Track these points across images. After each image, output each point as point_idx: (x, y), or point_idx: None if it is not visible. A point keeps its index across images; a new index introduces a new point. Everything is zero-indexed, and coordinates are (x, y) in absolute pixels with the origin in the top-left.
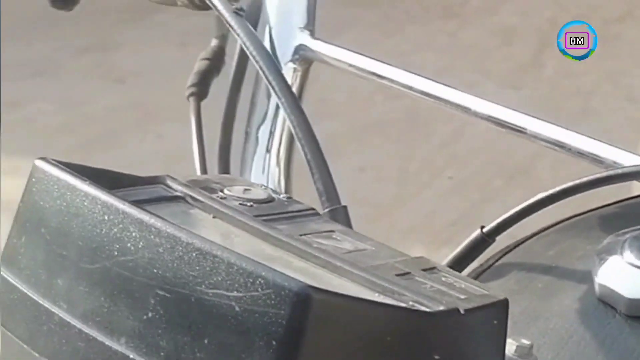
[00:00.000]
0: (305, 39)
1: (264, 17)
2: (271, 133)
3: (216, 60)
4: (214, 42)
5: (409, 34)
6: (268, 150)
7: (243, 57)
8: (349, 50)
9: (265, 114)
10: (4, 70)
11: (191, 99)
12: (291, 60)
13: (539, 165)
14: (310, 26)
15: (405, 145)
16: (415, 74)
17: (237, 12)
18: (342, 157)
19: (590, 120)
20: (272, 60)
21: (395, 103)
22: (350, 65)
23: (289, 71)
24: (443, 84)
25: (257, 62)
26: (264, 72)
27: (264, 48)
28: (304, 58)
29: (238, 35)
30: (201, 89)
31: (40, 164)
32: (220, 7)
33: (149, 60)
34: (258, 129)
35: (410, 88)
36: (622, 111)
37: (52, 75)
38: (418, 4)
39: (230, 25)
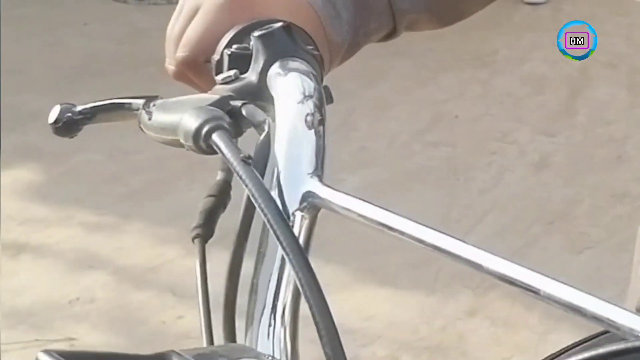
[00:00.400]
0: (313, 185)
1: (272, 162)
2: (277, 287)
3: (222, 197)
4: (219, 176)
5: (441, 83)
6: (274, 306)
7: (250, 206)
8: (359, 199)
9: (273, 264)
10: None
11: (196, 241)
12: (299, 209)
13: (577, 211)
14: (318, 171)
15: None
16: (427, 226)
17: (245, 161)
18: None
19: (626, 166)
20: (279, 213)
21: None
22: (360, 215)
23: (297, 219)
24: (456, 238)
25: (265, 214)
26: (271, 226)
27: (271, 200)
28: (312, 205)
29: (246, 185)
30: (207, 230)
31: (43, 357)
32: (228, 154)
33: None
34: (265, 280)
35: (422, 241)
36: None
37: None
38: (450, 54)
39: (238, 174)
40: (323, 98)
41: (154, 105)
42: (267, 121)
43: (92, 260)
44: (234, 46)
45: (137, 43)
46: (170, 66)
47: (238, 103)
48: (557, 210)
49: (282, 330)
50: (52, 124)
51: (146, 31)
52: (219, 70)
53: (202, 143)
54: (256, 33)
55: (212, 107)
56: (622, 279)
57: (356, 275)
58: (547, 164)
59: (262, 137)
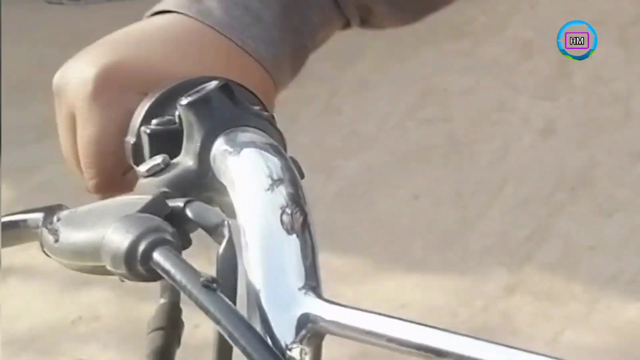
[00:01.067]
0: (311, 304)
1: (244, 280)
2: None
3: (174, 328)
4: (163, 300)
5: (422, 58)
6: None
7: (224, 348)
8: (377, 313)
9: None
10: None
11: None
12: (296, 341)
13: (597, 173)
14: (312, 282)
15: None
16: (459, 333)
17: (209, 286)
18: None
19: (635, 123)
20: (273, 355)
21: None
22: (383, 336)
23: (295, 354)
24: (488, 341)
25: None
26: None
27: (258, 339)
28: (313, 333)
29: (217, 322)
30: None
31: None
32: (180, 279)
33: None
34: None
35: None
36: None
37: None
38: (424, 27)
39: (202, 307)
40: (297, 177)
41: (58, 220)
42: (225, 223)
43: (87, 276)
44: (153, 121)
45: (83, 46)
46: (93, 191)
47: (179, 202)
48: (576, 175)
49: None
50: None
51: (89, 32)
52: (139, 158)
53: (139, 268)
54: (184, 101)
55: (143, 215)
56: None
57: (379, 265)
58: (553, 129)
59: (223, 246)
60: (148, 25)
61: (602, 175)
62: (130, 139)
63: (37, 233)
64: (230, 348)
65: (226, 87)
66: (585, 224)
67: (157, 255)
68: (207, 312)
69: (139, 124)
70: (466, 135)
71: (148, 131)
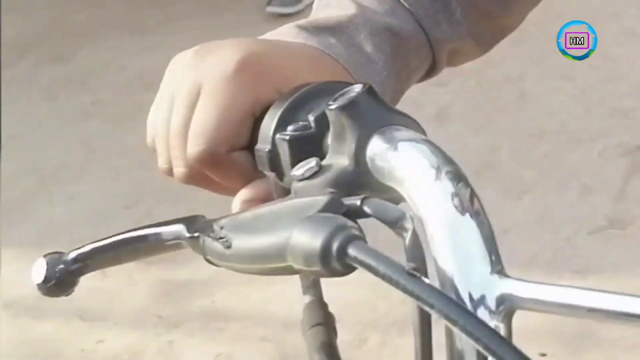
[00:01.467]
0: (504, 285)
1: (435, 271)
2: None
3: (330, 321)
4: (308, 299)
5: None
6: None
7: (426, 332)
8: (565, 286)
9: None
10: None
11: None
12: (493, 320)
13: (501, 156)
14: (498, 265)
15: None
16: None
17: (414, 273)
18: None
19: (532, 104)
20: (491, 331)
21: None
22: (572, 306)
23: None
24: None
25: (477, 340)
26: (493, 353)
27: (476, 318)
28: (508, 311)
29: (432, 307)
30: None
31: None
32: (384, 270)
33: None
34: None
35: None
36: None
37: None
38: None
39: (413, 295)
40: (456, 164)
41: (221, 228)
42: (408, 216)
43: None
44: (289, 128)
45: None
46: (179, 168)
47: (354, 200)
48: (479, 159)
49: None
50: (41, 283)
51: None
52: (275, 164)
53: (335, 264)
54: (334, 105)
55: (327, 214)
56: (576, 217)
57: None
58: (448, 115)
59: (409, 237)
60: (284, 41)
61: (505, 158)
62: (265, 147)
63: (171, 245)
64: (430, 331)
65: (371, 90)
66: (496, 207)
67: (352, 250)
68: (417, 298)
69: (272, 132)
70: None
71: (287, 137)
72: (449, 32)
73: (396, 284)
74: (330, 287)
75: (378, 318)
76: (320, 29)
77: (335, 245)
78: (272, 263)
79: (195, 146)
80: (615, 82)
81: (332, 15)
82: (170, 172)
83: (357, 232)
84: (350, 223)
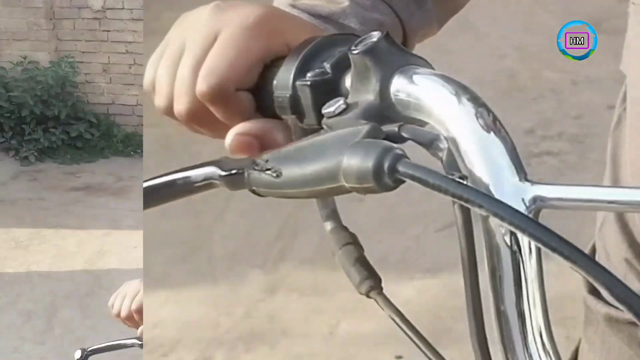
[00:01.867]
0: (533, 189)
1: (470, 182)
2: (528, 309)
3: (356, 239)
4: (330, 225)
5: None
6: (531, 330)
7: (468, 230)
8: (580, 185)
9: (518, 286)
10: None
11: (373, 293)
12: None
13: None
14: (522, 169)
15: None
16: None
17: (460, 180)
18: None
19: None
20: (528, 219)
21: None
22: (589, 201)
23: None
24: None
25: (518, 227)
26: (533, 235)
27: (515, 211)
28: (537, 212)
29: (480, 206)
30: (376, 278)
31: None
32: (433, 181)
33: None
34: (511, 304)
35: None
36: None
37: None
38: None
39: (463, 198)
40: (472, 90)
41: (266, 161)
42: (441, 137)
43: None
44: (309, 75)
45: None
46: (182, 105)
47: (392, 127)
48: None
49: (547, 349)
50: None
51: None
52: (296, 108)
53: (387, 180)
54: (357, 50)
55: (371, 140)
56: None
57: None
58: None
59: (445, 154)
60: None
61: None
62: (285, 93)
63: (210, 184)
64: (472, 235)
65: (388, 36)
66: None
67: (402, 167)
68: (467, 200)
69: (292, 80)
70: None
71: (309, 83)
72: (421, 21)
73: (445, 191)
74: (165, 306)
75: (221, 335)
76: (314, 16)
77: (386, 164)
78: (325, 185)
79: (206, 82)
80: None
81: (325, 5)
82: (168, 109)
83: (401, 152)
84: (395, 145)
